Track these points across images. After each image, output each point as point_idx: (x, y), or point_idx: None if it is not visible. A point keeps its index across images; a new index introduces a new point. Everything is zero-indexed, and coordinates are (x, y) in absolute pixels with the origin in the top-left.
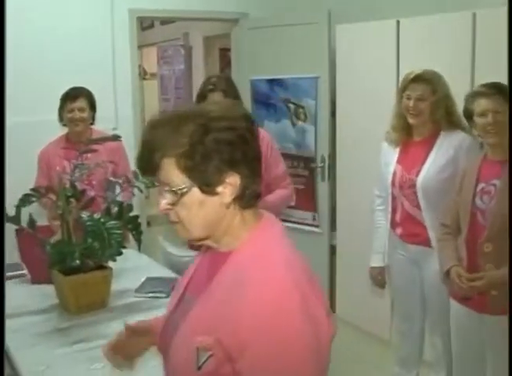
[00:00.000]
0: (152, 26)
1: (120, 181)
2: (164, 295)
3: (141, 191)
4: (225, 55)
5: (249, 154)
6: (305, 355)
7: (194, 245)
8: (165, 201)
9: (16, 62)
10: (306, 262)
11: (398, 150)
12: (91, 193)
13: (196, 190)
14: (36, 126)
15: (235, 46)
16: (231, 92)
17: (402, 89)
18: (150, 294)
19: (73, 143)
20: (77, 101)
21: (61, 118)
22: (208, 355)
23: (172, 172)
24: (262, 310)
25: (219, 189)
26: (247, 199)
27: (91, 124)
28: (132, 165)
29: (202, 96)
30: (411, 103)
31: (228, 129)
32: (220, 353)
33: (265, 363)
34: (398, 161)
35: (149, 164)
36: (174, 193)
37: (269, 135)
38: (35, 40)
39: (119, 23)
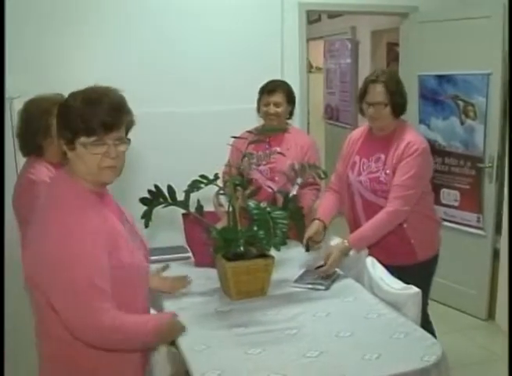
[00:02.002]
0: (319, 19)
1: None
2: (323, 288)
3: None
4: (392, 49)
5: None
6: None
7: None
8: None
9: (201, 59)
10: None
11: None
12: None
13: None
14: (222, 114)
15: (403, 40)
16: (392, 85)
17: None
18: (309, 286)
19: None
20: (273, 95)
21: (259, 110)
22: None
23: None
24: None
25: None
26: None
27: (289, 118)
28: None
29: (363, 87)
30: None
31: None
32: None
33: None
34: None
35: None
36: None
37: (422, 141)
38: (212, 37)
39: (288, 17)
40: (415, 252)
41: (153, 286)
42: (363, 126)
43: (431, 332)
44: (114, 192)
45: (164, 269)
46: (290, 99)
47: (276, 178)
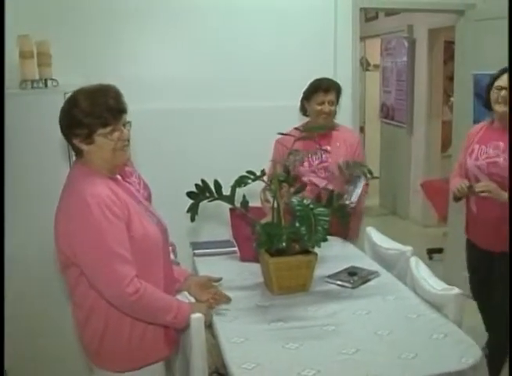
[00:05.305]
0: (376, 17)
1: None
2: (349, 286)
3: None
4: (449, 47)
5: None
6: None
7: None
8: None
9: (253, 56)
10: None
11: None
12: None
13: None
14: (271, 110)
15: (459, 39)
16: None
17: None
18: (338, 282)
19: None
20: (328, 94)
21: (303, 108)
22: None
23: None
24: None
25: None
26: None
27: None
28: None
29: (493, 77)
30: None
31: None
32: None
33: None
34: None
35: None
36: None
37: None
38: (265, 34)
39: (342, 14)
40: None
41: (192, 293)
42: (482, 122)
43: None
44: (165, 186)
45: (218, 280)
46: (339, 98)
47: (327, 176)
